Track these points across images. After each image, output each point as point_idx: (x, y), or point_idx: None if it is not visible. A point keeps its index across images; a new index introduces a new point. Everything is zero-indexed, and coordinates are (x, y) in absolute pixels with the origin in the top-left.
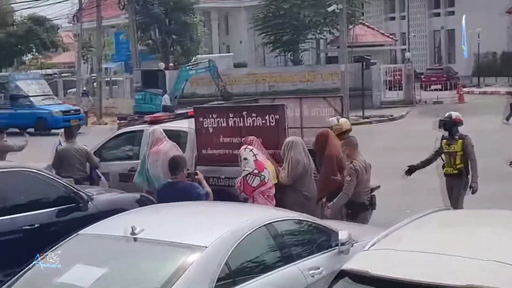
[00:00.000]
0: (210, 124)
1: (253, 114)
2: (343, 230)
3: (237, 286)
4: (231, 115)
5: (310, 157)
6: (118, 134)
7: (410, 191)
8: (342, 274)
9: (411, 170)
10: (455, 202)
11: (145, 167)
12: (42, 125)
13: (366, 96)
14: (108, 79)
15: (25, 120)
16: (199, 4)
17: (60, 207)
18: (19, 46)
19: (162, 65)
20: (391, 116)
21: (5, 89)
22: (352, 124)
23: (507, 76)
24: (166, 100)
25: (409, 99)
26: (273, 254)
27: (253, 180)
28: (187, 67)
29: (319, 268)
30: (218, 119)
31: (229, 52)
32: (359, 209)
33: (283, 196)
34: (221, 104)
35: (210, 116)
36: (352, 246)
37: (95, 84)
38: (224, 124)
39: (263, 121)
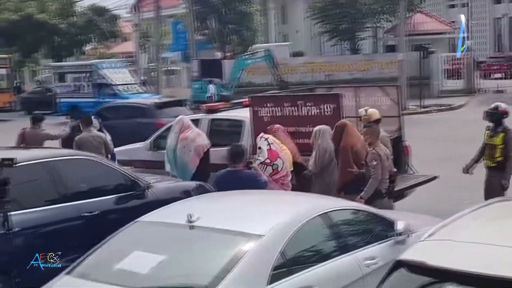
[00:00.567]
0: (265, 113)
1: (309, 104)
2: (400, 220)
3: (293, 275)
4: (286, 104)
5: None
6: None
7: (469, 181)
8: (398, 264)
9: (468, 168)
10: (488, 196)
11: (173, 154)
12: None
13: (425, 85)
14: (166, 68)
15: None
16: None
17: (120, 194)
18: (79, 36)
19: (219, 54)
20: (450, 105)
21: (90, 77)
22: (410, 114)
23: None
24: (211, 89)
25: (469, 88)
26: (328, 243)
27: (265, 169)
28: (244, 57)
29: (375, 259)
30: (273, 108)
31: (286, 41)
32: (375, 196)
33: (309, 183)
34: (276, 93)
35: (266, 105)
36: (409, 236)
37: (153, 73)
38: (280, 113)
39: (319, 111)
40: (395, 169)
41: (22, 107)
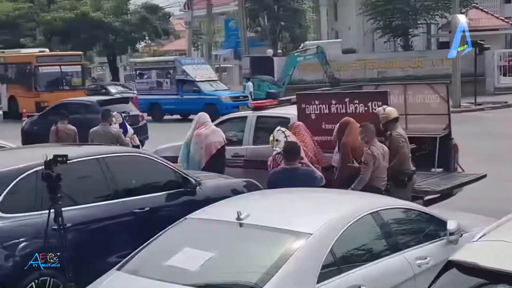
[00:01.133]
0: (312, 110)
1: (356, 101)
2: (452, 219)
3: (342, 274)
4: (333, 102)
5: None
6: (223, 120)
7: None
8: (449, 265)
9: None
10: None
11: (187, 148)
12: (211, 111)
13: (479, 82)
14: (218, 65)
15: (192, 106)
16: None
17: (170, 191)
18: (133, 34)
19: (270, 51)
20: (506, 102)
21: (171, 74)
22: (464, 112)
23: None
24: (250, 87)
25: None
26: (379, 242)
27: (281, 159)
28: (296, 54)
29: (426, 258)
30: (320, 105)
31: (337, 38)
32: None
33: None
34: (324, 90)
35: (313, 102)
36: (461, 236)
37: None
38: (327, 111)
39: (366, 108)
40: (413, 168)
41: None
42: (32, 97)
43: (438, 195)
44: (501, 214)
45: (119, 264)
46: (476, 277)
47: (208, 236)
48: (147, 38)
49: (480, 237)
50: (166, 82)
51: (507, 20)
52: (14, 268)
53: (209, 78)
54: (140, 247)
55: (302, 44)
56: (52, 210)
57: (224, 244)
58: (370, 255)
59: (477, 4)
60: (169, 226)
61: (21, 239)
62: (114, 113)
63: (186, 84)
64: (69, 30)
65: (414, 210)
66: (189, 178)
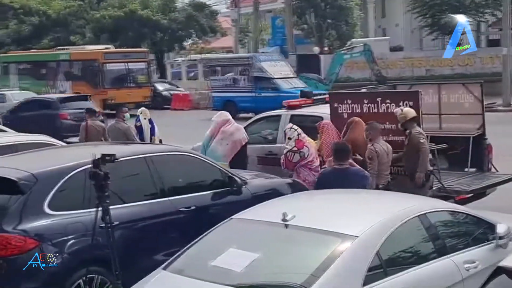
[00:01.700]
0: (345, 110)
1: (388, 101)
2: (502, 223)
3: (388, 277)
4: (365, 101)
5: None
6: (258, 118)
7: None
8: (499, 271)
9: None
10: None
11: (207, 143)
12: None
13: None
14: None
15: (269, 104)
16: None
17: (216, 190)
18: (180, 32)
19: (317, 49)
20: None
21: (248, 71)
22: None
23: None
24: None
25: None
26: (426, 245)
27: (293, 157)
28: (342, 51)
29: (475, 262)
30: (353, 105)
31: (385, 36)
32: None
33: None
34: (357, 90)
35: (345, 102)
36: (511, 240)
37: None
38: (359, 110)
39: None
40: (431, 168)
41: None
42: (98, 94)
43: (470, 195)
44: None
45: (165, 264)
46: None
47: (253, 236)
48: (194, 35)
49: None
50: (242, 79)
51: None
52: (62, 265)
53: (286, 75)
54: (186, 247)
55: (349, 42)
56: (99, 208)
57: (269, 245)
58: (417, 258)
59: None
60: (215, 226)
61: (69, 237)
62: (140, 109)
63: (263, 81)
64: (117, 27)
65: (462, 212)
66: (235, 178)
